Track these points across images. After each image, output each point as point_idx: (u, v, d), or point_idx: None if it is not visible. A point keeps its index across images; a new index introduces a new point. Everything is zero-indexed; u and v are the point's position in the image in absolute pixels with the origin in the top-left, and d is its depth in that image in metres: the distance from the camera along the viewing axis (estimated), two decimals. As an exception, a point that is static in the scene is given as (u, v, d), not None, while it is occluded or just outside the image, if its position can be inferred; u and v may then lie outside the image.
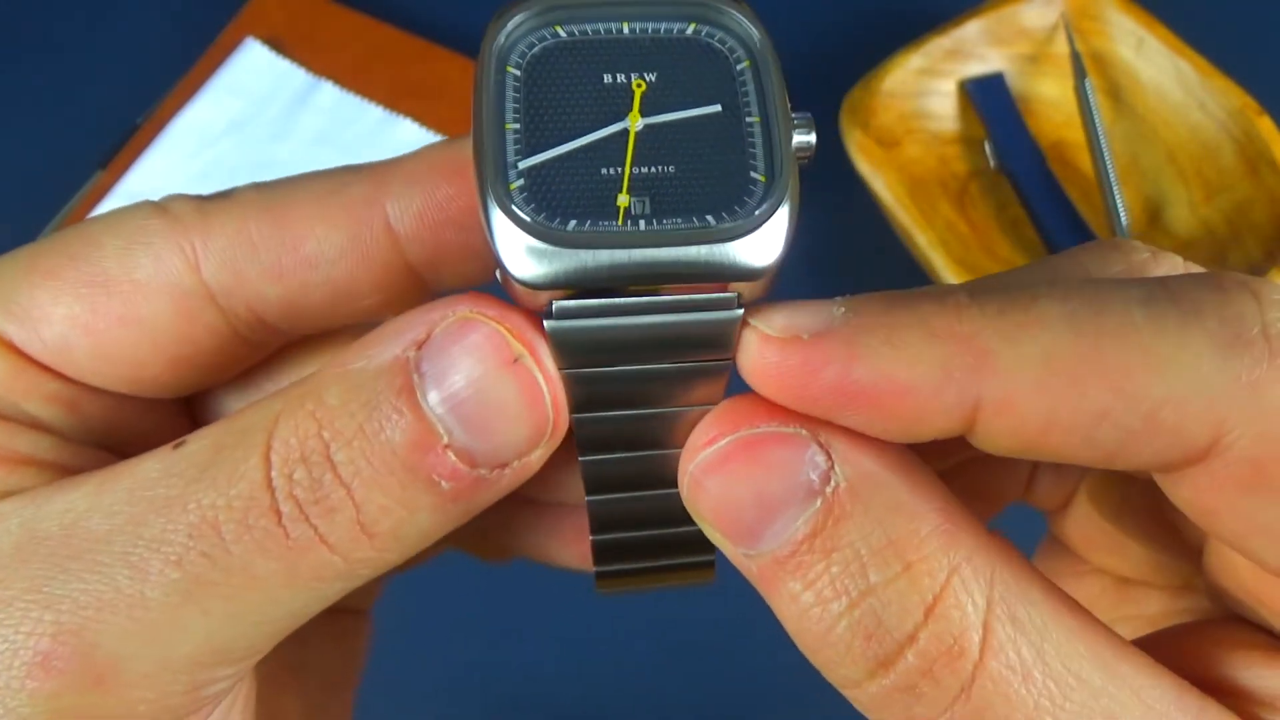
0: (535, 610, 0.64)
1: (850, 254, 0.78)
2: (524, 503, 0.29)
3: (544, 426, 0.22)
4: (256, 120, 0.79)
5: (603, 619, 0.65)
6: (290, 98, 0.80)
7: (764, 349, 0.21)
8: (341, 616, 0.33)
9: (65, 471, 0.23)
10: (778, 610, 0.21)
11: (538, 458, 0.22)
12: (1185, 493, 0.20)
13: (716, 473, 0.21)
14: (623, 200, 0.22)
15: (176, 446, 0.22)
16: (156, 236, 0.24)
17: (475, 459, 0.21)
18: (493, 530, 0.33)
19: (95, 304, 0.23)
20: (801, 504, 0.20)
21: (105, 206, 0.76)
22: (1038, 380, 0.19)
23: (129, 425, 0.25)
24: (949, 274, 0.67)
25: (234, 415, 0.22)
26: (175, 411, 0.27)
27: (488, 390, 0.21)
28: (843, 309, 0.20)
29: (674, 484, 0.24)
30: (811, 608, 0.20)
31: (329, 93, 0.80)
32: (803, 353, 0.20)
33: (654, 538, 0.27)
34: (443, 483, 0.21)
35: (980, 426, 0.20)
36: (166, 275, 0.23)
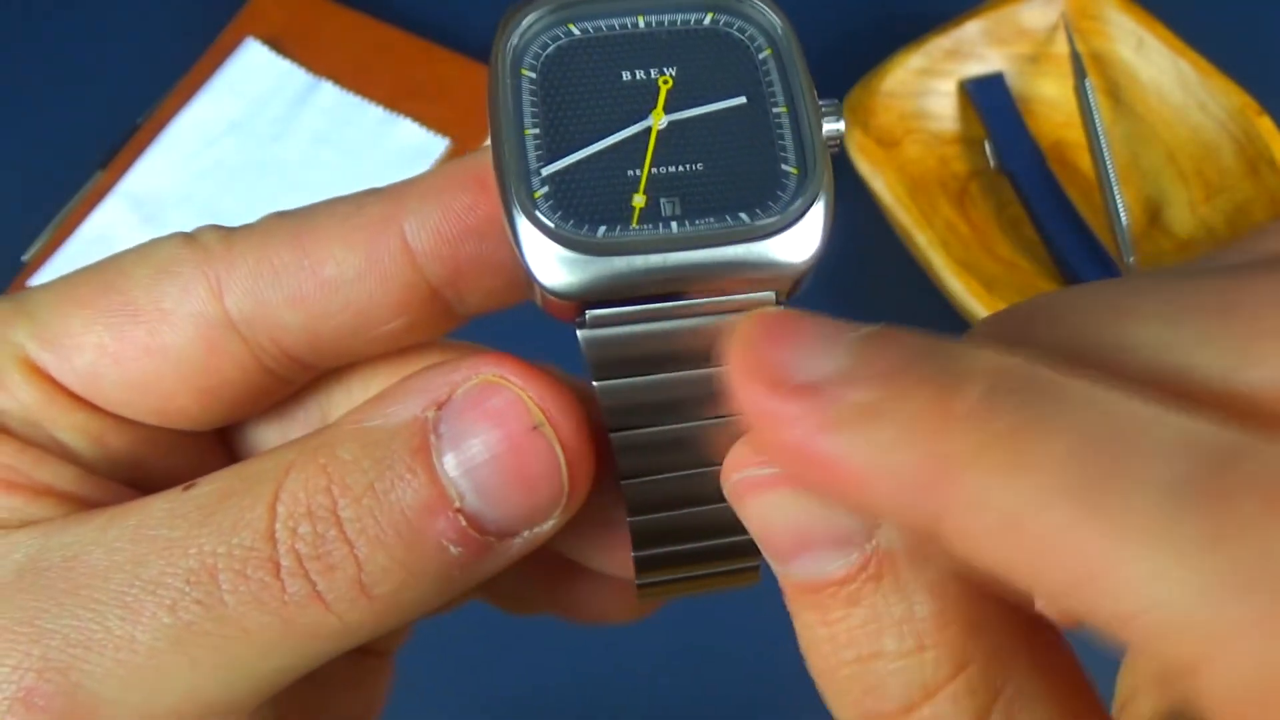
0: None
1: (850, 254, 0.78)
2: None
3: (558, 498, 0.22)
4: (257, 120, 0.79)
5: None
6: (290, 98, 0.80)
7: (743, 379, 0.19)
8: (364, 659, 0.32)
9: (87, 505, 0.23)
10: (795, 625, 0.20)
11: (550, 528, 0.22)
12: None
13: (757, 495, 0.20)
14: (638, 201, 0.21)
15: (187, 488, 0.22)
16: (184, 266, 0.23)
17: (486, 526, 0.21)
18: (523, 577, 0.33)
19: (123, 333, 0.23)
20: (839, 549, 0.19)
21: (105, 206, 0.76)
22: (1001, 530, 0.17)
23: (159, 459, 0.25)
24: (949, 274, 0.67)
25: (247, 461, 0.22)
26: (209, 445, 0.27)
27: (504, 457, 0.21)
28: (840, 361, 0.18)
29: (719, 499, 0.23)
30: (823, 643, 0.20)
31: (329, 93, 0.80)
32: (779, 402, 0.18)
33: (698, 550, 0.26)
34: (451, 548, 0.21)
35: (941, 537, 0.18)
36: (192, 305, 0.23)
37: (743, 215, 0.21)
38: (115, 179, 0.77)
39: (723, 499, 0.23)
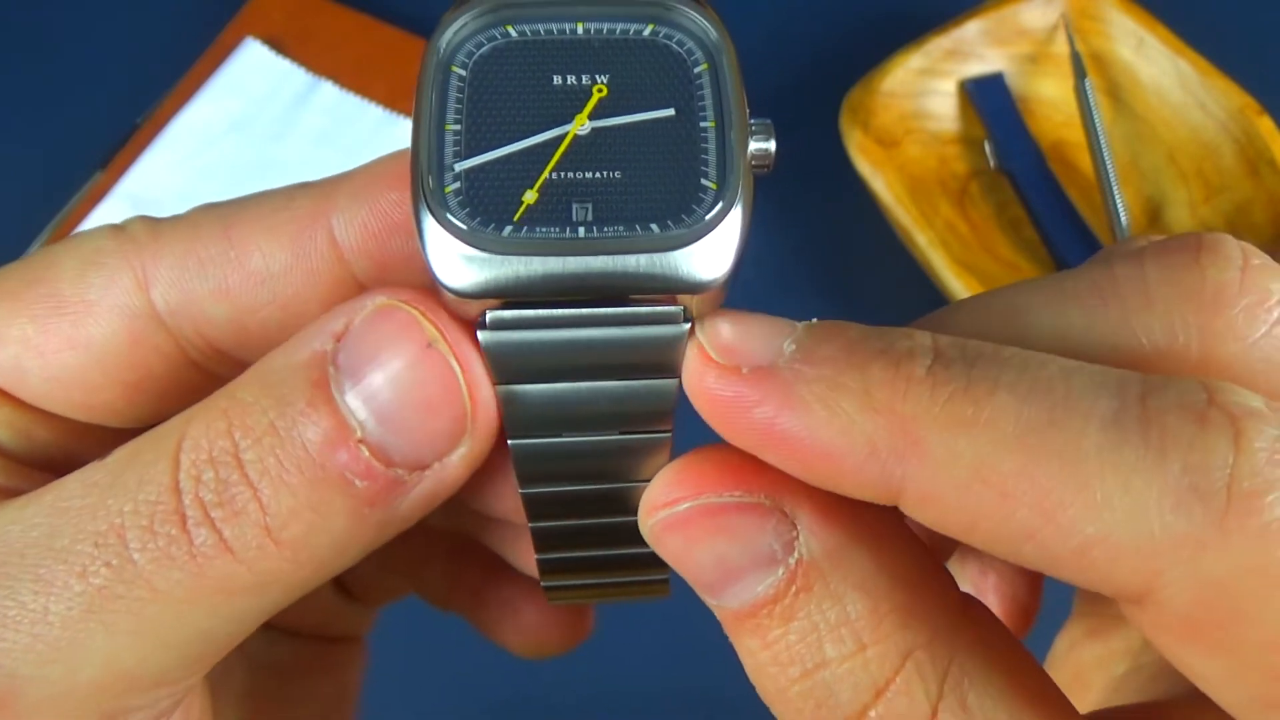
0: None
1: (850, 254, 0.78)
2: (474, 514, 0.28)
3: (461, 418, 0.21)
4: (256, 120, 0.79)
5: (604, 617, 0.65)
6: (290, 98, 0.80)
7: (703, 370, 0.20)
8: (332, 647, 0.32)
9: (13, 495, 0.22)
10: (739, 655, 0.20)
11: (459, 460, 0.21)
12: (1126, 614, 0.19)
13: (677, 533, 0.20)
14: (529, 197, 0.21)
15: (103, 459, 0.21)
16: (111, 257, 0.23)
17: (390, 456, 0.20)
18: (442, 562, 0.32)
19: (47, 325, 0.23)
20: (763, 570, 0.20)
21: (105, 206, 0.76)
22: (964, 484, 0.18)
23: (91, 457, 0.25)
24: (949, 274, 0.67)
25: (160, 425, 0.22)
26: None
27: (401, 378, 0.20)
28: (793, 346, 0.19)
29: (622, 512, 0.23)
30: (768, 666, 0.20)
31: (329, 93, 0.80)
32: (737, 387, 0.19)
33: (603, 557, 0.26)
34: (356, 481, 0.20)
35: (904, 505, 0.19)
36: (116, 297, 0.23)
37: (653, 226, 0.21)
38: (115, 179, 0.77)
39: (625, 512, 0.23)
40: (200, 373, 0.24)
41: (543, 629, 0.32)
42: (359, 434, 0.20)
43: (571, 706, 0.64)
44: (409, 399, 0.20)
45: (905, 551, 0.20)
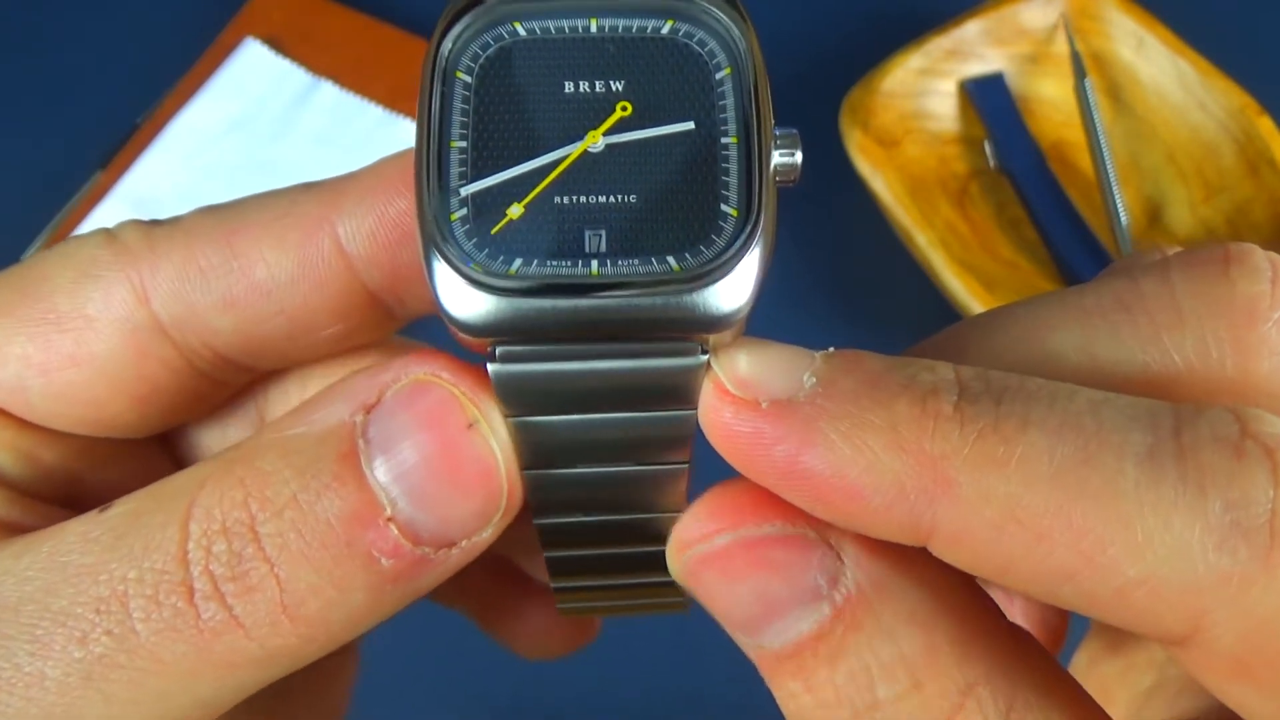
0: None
1: (850, 254, 0.78)
2: None
3: (496, 500, 0.20)
4: (256, 120, 0.79)
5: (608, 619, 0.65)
6: (290, 98, 0.80)
7: (719, 405, 0.19)
8: (326, 658, 0.32)
9: (15, 530, 0.22)
10: (777, 699, 0.19)
11: (488, 537, 0.21)
12: (1171, 655, 0.18)
13: (714, 568, 0.19)
14: (513, 211, 0.20)
15: (103, 510, 0.21)
16: (106, 269, 0.22)
17: (420, 535, 0.20)
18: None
19: (47, 342, 0.22)
20: (807, 606, 0.19)
21: (105, 206, 0.76)
22: (998, 524, 0.17)
23: (98, 472, 0.24)
24: (949, 274, 0.67)
25: (164, 480, 0.21)
26: (151, 453, 0.26)
27: (438, 459, 0.20)
28: (814, 379, 0.18)
29: (639, 542, 0.23)
30: (813, 710, 0.19)
31: (329, 93, 0.80)
32: (756, 422, 0.18)
33: (619, 585, 0.25)
34: (382, 560, 0.19)
35: (934, 547, 0.18)
36: (117, 310, 0.22)
37: (670, 259, 0.19)
38: (115, 179, 0.77)
39: (642, 542, 0.23)
40: (207, 380, 0.24)
41: (548, 631, 0.32)
42: (389, 512, 0.19)
43: (573, 708, 0.64)
44: (445, 480, 0.20)
45: (953, 580, 0.19)
